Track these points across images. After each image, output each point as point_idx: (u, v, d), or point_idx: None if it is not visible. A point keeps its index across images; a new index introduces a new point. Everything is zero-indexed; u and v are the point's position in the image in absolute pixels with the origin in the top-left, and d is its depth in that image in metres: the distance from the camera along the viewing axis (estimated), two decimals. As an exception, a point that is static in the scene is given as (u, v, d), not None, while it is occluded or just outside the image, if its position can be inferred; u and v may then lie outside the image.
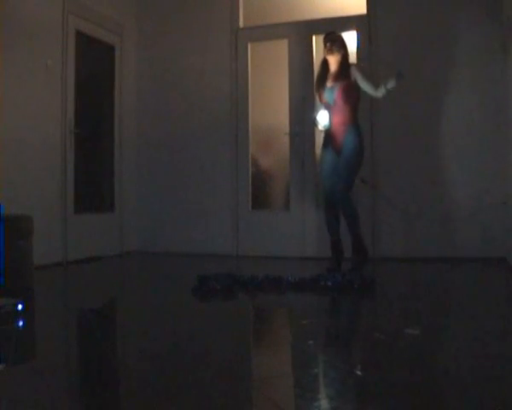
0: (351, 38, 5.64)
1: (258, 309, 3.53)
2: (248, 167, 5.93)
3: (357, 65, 4.48)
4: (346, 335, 2.82)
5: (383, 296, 3.74)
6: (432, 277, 4.51)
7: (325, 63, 4.48)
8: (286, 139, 5.79)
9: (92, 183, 5.86)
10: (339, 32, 4.59)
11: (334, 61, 4.41)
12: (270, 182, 6.21)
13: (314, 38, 5.72)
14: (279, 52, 5.89)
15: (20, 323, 2.92)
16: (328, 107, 4.39)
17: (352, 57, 5.54)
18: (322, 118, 4.40)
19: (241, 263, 5.45)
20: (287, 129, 5.77)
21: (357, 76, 4.32)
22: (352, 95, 4.34)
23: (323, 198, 4.55)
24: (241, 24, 6.01)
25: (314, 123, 4.51)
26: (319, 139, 5.67)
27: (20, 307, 3.03)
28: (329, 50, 4.39)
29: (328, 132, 4.44)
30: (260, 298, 3.70)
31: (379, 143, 5.38)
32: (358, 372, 2.11)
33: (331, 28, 5.69)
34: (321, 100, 4.48)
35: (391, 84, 4.18)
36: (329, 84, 4.41)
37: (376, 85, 4.29)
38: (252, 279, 3.87)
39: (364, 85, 4.32)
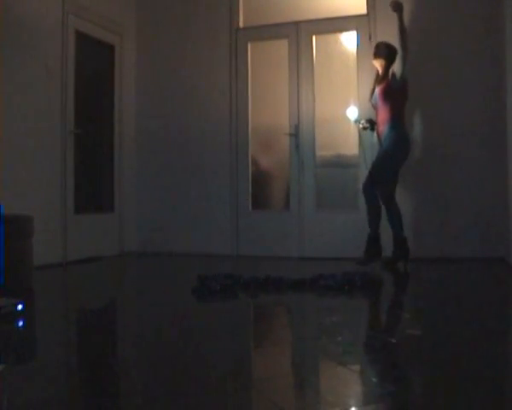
0: (351, 38, 5.66)
1: (259, 309, 3.53)
2: (248, 167, 5.93)
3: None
4: (346, 335, 2.81)
5: (384, 296, 3.74)
6: (432, 277, 4.50)
7: (377, 70, 4.78)
8: (286, 139, 5.79)
9: (92, 183, 5.86)
10: (387, 42, 4.73)
11: (378, 66, 4.73)
12: (270, 182, 6.20)
13: (314, 38, 5.72)
14: (279, 52, 5.89)
15: (20, 323, 2.92)
16: (375, 108, 4.73)
17: (352, 58, 5.61)
18: (351, 113, 4.94)
19: (241, 263, 5.45)
20: (287, 129, 5.77)
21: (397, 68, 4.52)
22: (391, 94, 4.56)
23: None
24: (241, 24, 6.01)
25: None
26: (319, 139, 5.70)
27: (20, 307, 3.03)
28: (373, 55, 4.76)
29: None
30: (261, 298, 3.70)
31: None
32: (359, 373, 2.11)
33: (331, 28, 5.73)
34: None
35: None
36: (377, 87, 4.72)
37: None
38: (252, 279, 3.87)
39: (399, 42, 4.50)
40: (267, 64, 6.07)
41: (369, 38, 5.45)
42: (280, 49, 5.87)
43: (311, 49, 5.71)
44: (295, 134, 5.71)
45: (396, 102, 4.58)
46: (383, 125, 4.61)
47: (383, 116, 4.60)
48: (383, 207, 4.67)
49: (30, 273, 3.89)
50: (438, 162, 5.28)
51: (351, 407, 1.80)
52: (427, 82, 5.29)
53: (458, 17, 5.25)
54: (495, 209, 5.04)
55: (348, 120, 5.02)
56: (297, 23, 5.79)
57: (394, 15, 5.45)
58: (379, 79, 4.71)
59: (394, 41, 5.44)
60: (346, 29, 5.66)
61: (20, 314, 3.02)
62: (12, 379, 2.03)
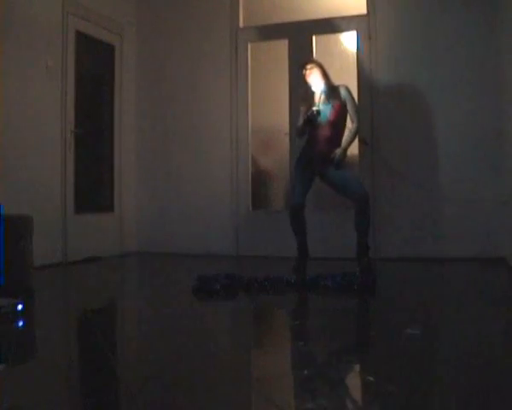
0: (351, 38, 5.66)
1: (259, 309, 3.53)
2: (248, 167, 5.93)
3: (346, 86, 4.29)
4: (345, 335, 2.82)
5: (383, 297, 3.74)
6: (431, 277, 4.50)
7: (308, 87, 4.29)
8: (286, 139, 5.79)
9: (92, 183, 5.86)
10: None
11: (316, 80, 4.23)
12: (270, 182, 6.20)
13: (314, 38, 5.72)
14: (279, 52, 5.89)
15: (20, 323, 2.92)
16: (316, 124, 4.19)
17: (352, 58, 5.61)
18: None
19: (241, 263, 5.45)
20: (287, 129, 5.76)
21: (347, 97, 4.21)
22: (344, 115, 4.24)
23: (291, 206, 4.44)
24: (241, 24, 6.01)
25: (314, 117, 4.18)
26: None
27: (20, 307, 3.03)
28: (309, 69, 4.23)
29: (311, 149, 4.27)
30: (260, 298, 3.70)
31: (377, 149, 5.37)
32: (359, 373, 2.11)
33: (331, 28, 5.73)
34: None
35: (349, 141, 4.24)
36: (319, 102, 4.23)
37: (355, 115, 4.23)
38: (252, 279, 3.87)
39: (350, 108, 4.22)
40: (267, 64, 6.07)
41: (369, 38, 5.45)
42: (280, 49, 5.87)
43: (311, 49, 5.71)
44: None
45: (345, 124, 4.28)
46: (331, 146, 4.18)
47: (334, 137, 4.20)
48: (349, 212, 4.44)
49: (30, 273, 3.89)
50: (437, 162, 5.28)
51: (350, 406, 1.80)
52: (427, 86, 5.30)
53: (456, 22, 5.25)
54: (495, 209, 5.04)
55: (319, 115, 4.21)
56: (297, 23, 5.79)
57: (394, 15, 5.49)
58: (323, 96, 4.21)
59: (394, 41, 5.48)
60: (346, 29, 5.66)
61: (20, 314, 3.02)
62: (12, 379, 2.03)
